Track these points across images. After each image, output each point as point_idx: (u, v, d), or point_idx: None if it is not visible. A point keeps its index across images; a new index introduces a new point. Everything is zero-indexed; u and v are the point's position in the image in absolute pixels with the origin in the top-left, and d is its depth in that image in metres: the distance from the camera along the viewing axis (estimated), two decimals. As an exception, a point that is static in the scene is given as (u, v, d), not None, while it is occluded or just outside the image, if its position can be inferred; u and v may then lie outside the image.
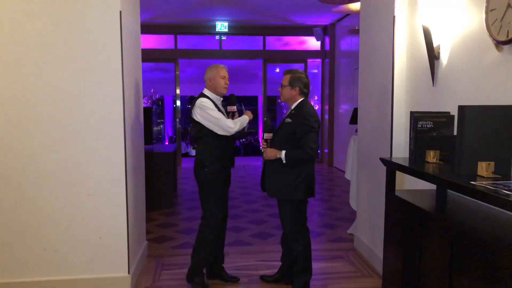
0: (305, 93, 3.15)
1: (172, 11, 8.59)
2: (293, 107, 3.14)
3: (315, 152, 2.99)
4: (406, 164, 2.65)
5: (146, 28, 10.09)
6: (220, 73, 3.34)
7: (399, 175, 3.10)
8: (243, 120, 3.34)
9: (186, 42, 10.26)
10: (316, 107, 10.86)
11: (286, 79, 3.15)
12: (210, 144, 3.27)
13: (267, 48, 10.37)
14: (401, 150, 3.47)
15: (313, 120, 2.99)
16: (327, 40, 10.15)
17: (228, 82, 3.38)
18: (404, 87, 3.47)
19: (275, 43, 10.63)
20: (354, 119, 4.76)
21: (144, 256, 4.04)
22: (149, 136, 6.17)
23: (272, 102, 14.70)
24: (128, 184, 3.35)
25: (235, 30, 10.03)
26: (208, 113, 3.21)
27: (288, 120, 3.09)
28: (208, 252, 3.37)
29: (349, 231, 4.84)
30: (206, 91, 3.36)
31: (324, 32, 10.16)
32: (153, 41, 10.17)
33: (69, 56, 3.15)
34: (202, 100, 3.24)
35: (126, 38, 3.33)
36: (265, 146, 3.19)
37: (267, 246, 4.44)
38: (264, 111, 10.86)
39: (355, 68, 8.69)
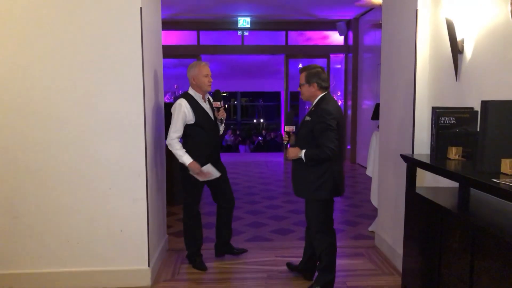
0: (324, 87, 3.06)
1: (194, 7, 8.65)
2: (313, 104, 3.08)
3: (333, 151, 2.88)
4: (427, 161, 2.60)
5: (169, 25, 10.20)
6: (202, 71, 3.43)
7: (420, 172, 3.04)
8: (181, 156, 3.45)
9: (208, 38, 10.30)
10: (339, 103, 10.75)
11: (302, 77, 3.08)
12: (191, 140, 3.50)
13: (289, 43, 10.30)
14: (423, 147, 3.39)
15: (329, 118, 2.89)
16: (350, 34, 10.01)
17: (211, 80, 3.48)
18: (427, 82, 3.39)
19: (298, 38, 10.54)
20: (376, 115, 4.69)
21: (165, 249, 4.10)
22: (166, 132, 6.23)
23: (294, 98, 14.63)
24: (149, 178, 3.39)
25: (257, 25, 10.00)
26: (173, 114, 3.44)
27: (308, 118, 3.03)
28: (191, 238, 3.70)
29: (370, 229, 4.78)
30: (190, 90, 3.52)
31: (347, 27, 10.02)
32: (176, 37, 10.25)
33: (90, 53, 3.20)
34: (178, 102, 3.46)
35: (146, 35, 3.36)
36: (287, 139, 3.15)
37: (287, 242, 4.44)
38: (286, 107, 10.82)
39: (378, 63, 8.55)
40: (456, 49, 2.88)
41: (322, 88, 3.05)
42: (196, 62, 3.48)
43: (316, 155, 2.93)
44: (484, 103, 2.08)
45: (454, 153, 2.51)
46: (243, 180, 7.81)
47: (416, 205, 2.70)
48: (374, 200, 4.56)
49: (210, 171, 3.51)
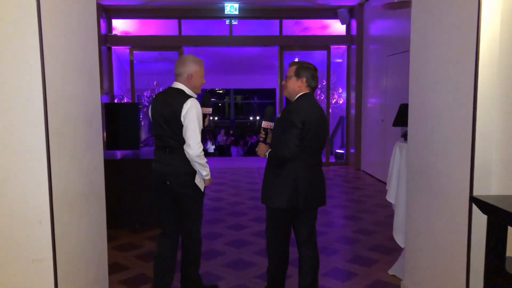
0: (312, 86, 2.83)
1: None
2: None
3: (291, 151, 2.64)
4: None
5: (145, 12, 8.96)
6: (202, 71, 2.96)
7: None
8: (206, 170, 2.92)
9: (191, 27, 9.05)
10: (341, 101, 9.52)
11: (291, 69, 2.85)
12: None
13: (284, 33, 9.05)
14: (488, 175, 2.17)
15: (294, 115, 2.67)
16: (353, 23, 8.77)
17: (204, 81, 3.00)
18: (496, 86, 2.17)
19: (294, 27, 9.30)
20: (400, 120, 3.45)
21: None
22: (136, 139, 4.99)
23: (290, 95, 13.34)
24: (62, 220, 2.15)
25: (247, 12, 8.74)
26: (191, 119, 2.77)
27: (279, 115, 2.83)
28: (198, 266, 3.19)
29: (391, 272, 3.56)
30: (184, 88, 2.89)
31: (350, 14, 8.77)
32: (153, 27, 9.01)
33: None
34: (193, 103, 2.79)
35: (54, 15, 2.13)
36: (263, 136, 2.90)
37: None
38: (280, 105, 9.57)
39: (387, 55, 7.34)
40: None
41: (309, 86, 2.83)
42: (195, 58, 2.95)
43: (274, 154, 2.76)
44: None
45: None
46: (229, 194, 6.57)
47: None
48: (399, 237, 3.34)
49: None
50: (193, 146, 2.76)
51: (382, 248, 4.19)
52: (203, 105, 3.01)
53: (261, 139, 2.89)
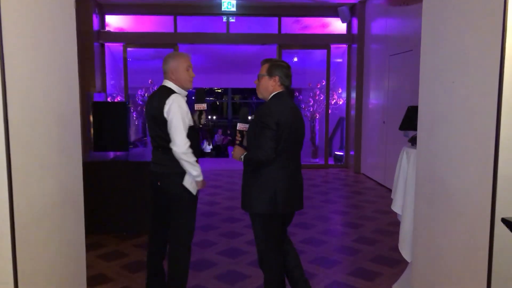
0: (285, 85, 2.74)
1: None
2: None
3: (266, 154, 2.56)
4: None
5: (139, 8, 8.68)
6: (183, 64, 2.84)
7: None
8: (197, 170, 2.76)
9: (187, 24, 8.76)
10: (341, 102, 9.25)
11: (264, 68, 2.75)
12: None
13: (282, 31, 8.76)
14: (513, 187, 1.90)
15: (267, 116, 2.58)
16: (354, 21, 8.50)
17: (193, 74, 2.88)
18: None
19: (293, 25, 8.99)
20: (408, 123, 3.17)
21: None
22: (125, 140, 4.71)
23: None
24: (27, 239, 1.88)
25: (245, 9, 8.47)
26: (174, 116, 2.68)
27: (252, 116, 2.76)
28: (185, 278, 2.95)
29: (396, 287, 3.30)
30: (171, 85, 2.84)
31: (351, 12, 8.50)
32: (147, 24, 8.73)
33: None
34: (175, 98, 2.72)
35: (17, 11, 1.86)
36: (239, 139, 2.78)
37: None
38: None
39: (390, 55, 7.07)
40: None
41: (282, 85, 2.73)
42: (175, 52, 3.00)
43: (249, 158, 2.66)
44: None
45: None
46: (223, 197, 6.29)
47: None
48: (406, 251, 3.07)
49: None
50: (179, 143, 2.67)
51: (385, 259, 3.93)
52: (197, 101, 2.95)
53: (237, 142, 2.79)
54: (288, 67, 2.77)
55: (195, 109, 2.95)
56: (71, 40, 2.53)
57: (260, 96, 2.79)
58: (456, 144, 2.29)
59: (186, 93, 2.88)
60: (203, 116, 2.96)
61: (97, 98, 7.84)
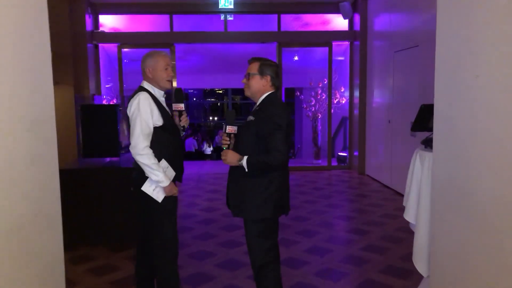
0: (276, 85, 2.69)
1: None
2: (258, 102, 2.65)
3: (285, 157, 2.49)
4: None
5: (134, 7, 8.40)
6: (161, 63, 2.76)
7: None
8: (158, 175, 2.60)
9: (184, 23, 8.48)
10: (343, 101, 8.96)
11: (254, 67, 2.66)
12: (159, 149, 2.67)
13: (282, 29, 8.49)
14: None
15: (279, 117, 2.50)
16: (357, 18, 8.21)
17: (172, 74, 2.81)
18: None
19: (293, 23, 8.69)
20: (421, 124, 2.88)
21: None
22: (115, 145, 4.43)
23: (290, 95, 12.76)
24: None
25: (243, 7, 8.19)
26: (134, 115, 2.62)
27: (251, 118, 2.61)
28: None
29: (409, 303, 3.02)
30: (146, 85, 2.78)
31: (353, 8, 8.22)
32: (143, 23, 8.45)
33: None
34: (139, 97, 2.64)
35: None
36: (228, 143, 2.59)
37: None
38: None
39: (395, 51, 6.78)
40: None
41: (273, 85, 2.67)
42: (154, 51, 2.83)
43: (264, 163, 2.48)
44: None
45: None
46: (223, 203, 5.99)
47: None
48: (421, 265, 2.77)
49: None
50: (133, 143, 2.60)
51: (397, 270, 3.64)
52: (175, 101, 2.86)
53: (226, 146, 2.63)
54: (277, 66, 2.72)
55: (173, 109, 2.85)
56: (45, 40, 2.24)
57: (249, 95, 2.70)
58: (480, 145, 2.00)
59: (162, 93, 2.80)
60: (184, 117, 2.86)
61: (95, 101, 7.59)
